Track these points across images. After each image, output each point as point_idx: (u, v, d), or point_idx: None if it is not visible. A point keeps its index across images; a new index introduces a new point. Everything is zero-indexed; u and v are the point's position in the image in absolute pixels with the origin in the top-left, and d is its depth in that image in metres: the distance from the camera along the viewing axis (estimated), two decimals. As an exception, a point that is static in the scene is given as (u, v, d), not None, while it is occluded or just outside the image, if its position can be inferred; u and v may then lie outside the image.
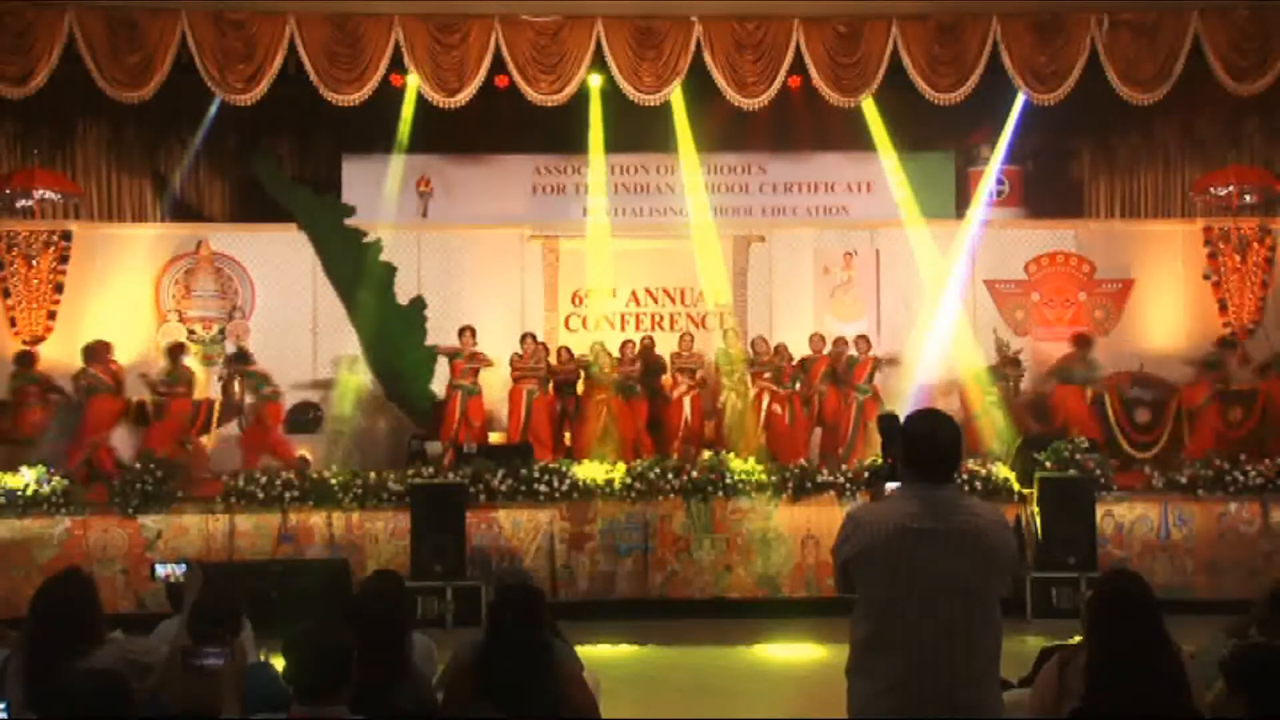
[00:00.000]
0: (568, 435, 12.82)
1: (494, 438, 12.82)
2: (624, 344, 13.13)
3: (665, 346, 13.52)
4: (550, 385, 12.91)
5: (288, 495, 10.61)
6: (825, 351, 13.09)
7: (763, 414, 12.59)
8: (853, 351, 13.01)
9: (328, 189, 14.48)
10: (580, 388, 12.93)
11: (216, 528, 10.56)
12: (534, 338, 13.01)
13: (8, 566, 10.24)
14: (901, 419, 3.72)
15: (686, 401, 12.76)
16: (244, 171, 14.86)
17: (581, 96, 12.92)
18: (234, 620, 4.36)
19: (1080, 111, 13.36)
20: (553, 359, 13.11)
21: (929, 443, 3.51)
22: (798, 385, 12.92)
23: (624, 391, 12.63)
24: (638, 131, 13.71)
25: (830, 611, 8.77)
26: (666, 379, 13.11)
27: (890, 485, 3.70)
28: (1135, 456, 12.01)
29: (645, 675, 8.42)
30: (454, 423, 12.54)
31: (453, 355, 12.85)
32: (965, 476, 10.72)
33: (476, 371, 12.82)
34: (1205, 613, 7.37)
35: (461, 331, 12.88)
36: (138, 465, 10.90)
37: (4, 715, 3.72)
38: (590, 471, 10.79)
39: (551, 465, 10.95)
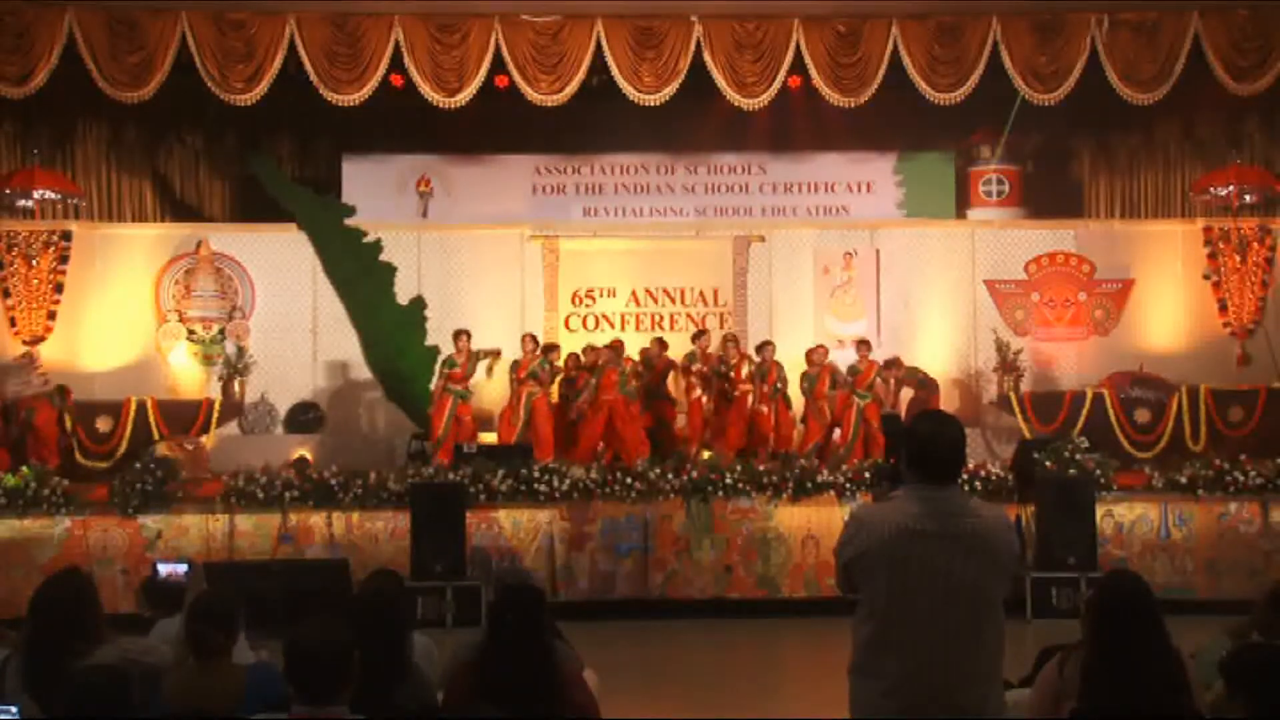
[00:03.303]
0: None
1: (485, 438, 12.73)
2: (643, 350, 13.07)
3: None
4: (555, 387, 12.81)
5: (288, 495, 10.61)
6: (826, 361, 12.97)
7: (748, 413, 12.53)
8: (853, 359, 12.92)
9: (328, 189, 14.49)
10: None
11: (216, 528, 10.56)
12: (534, 338, 12.87)
13: (8, 566, 10.24)
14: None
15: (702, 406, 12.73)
16: (244, 171, 14.87)
17: (581, 96, 12.91)
18: (232, 621, 4.35)
19: (1080, 111, 13.36)
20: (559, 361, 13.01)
21: (933, 443, 3.50)
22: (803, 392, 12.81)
23: (630, 394, 12.58)
24: (638, 131, 13.72)
25: (830, 611, 8.78)
26: (675, 386, 13.03)
27: (893, 486, 3.69)
28: (1135, 456, 11.98)
29: (645, 675, 8.41)
30: (440, 424, 12.41)
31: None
32: (965, 477, 10.72)
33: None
34: (1205, 613, 7.38)
35: (456, 336, 12.70)
36: (138, 465, 10.90)
37: (17, 716, 3.73)
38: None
39: (551, 465, 10.94)
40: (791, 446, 12.31)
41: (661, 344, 13.20)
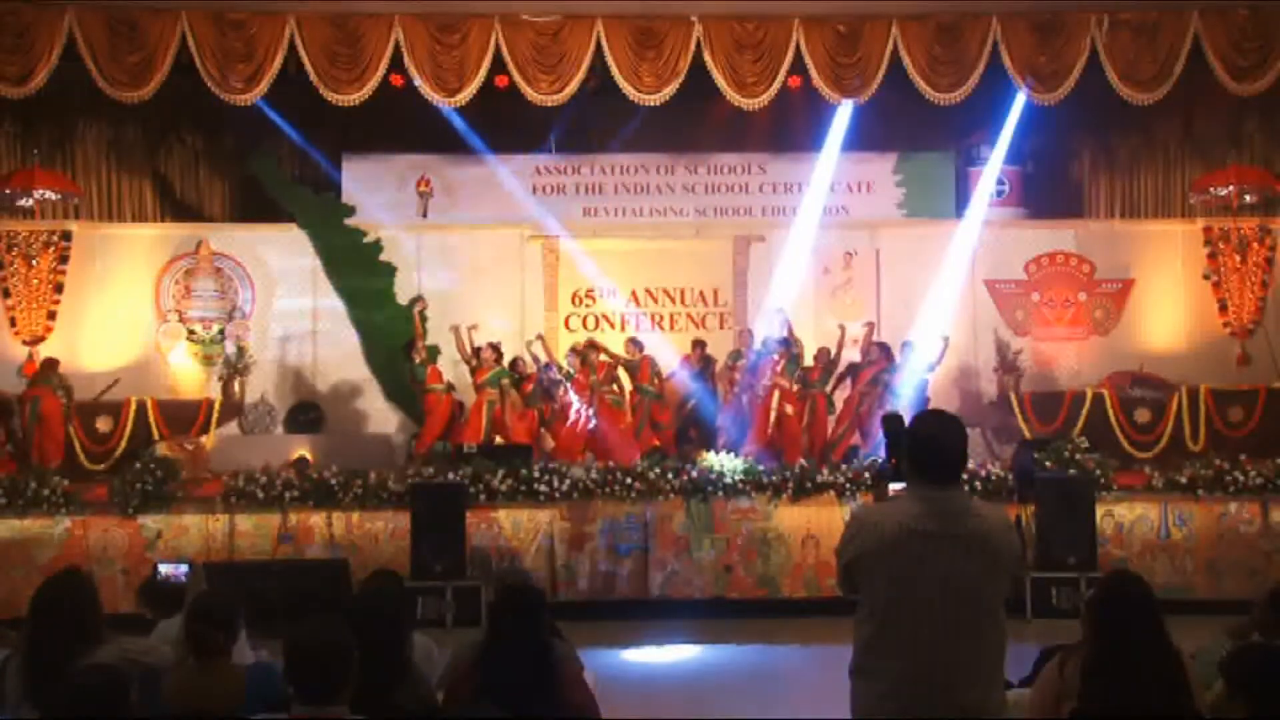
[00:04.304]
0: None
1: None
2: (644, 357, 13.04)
3: (661, 346, 13.49)
4: (521, 390, 12.78)
5: (288, 495, 10.60)
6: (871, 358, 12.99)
7: (773, 413, 12.52)
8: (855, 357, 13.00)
9: (328, 189, 14.48)
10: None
11: (216, 528, 10.56)
12: (494, 347, 12.78)
13: (8, 566, 10.24)
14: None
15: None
16: (244, 171, 14.87)
17: (581, 96, 12.90)
18: (232, 621, 4.35)
19: (1080, 111, 13.35)
20: (559, 360, 13.01)
21: (934, 444, 3.49)
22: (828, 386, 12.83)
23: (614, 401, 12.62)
24: (638, 131, 13.71)
25: (830, 611, 8.76)
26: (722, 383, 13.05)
27: (894, 486, 3.70)
28: (1135, 456, 11.98)
29: (643, 675, 8.41)
30: (446, 420, 12.51)
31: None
32: (964, 476, 10.66)
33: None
34: (1205, 613, 7.36)
35: (410, 345, 12.81)
36: (138, 465, 10.90)
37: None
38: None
39: (552, 465, 10.94)
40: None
41: (636, 344, 13.17)
